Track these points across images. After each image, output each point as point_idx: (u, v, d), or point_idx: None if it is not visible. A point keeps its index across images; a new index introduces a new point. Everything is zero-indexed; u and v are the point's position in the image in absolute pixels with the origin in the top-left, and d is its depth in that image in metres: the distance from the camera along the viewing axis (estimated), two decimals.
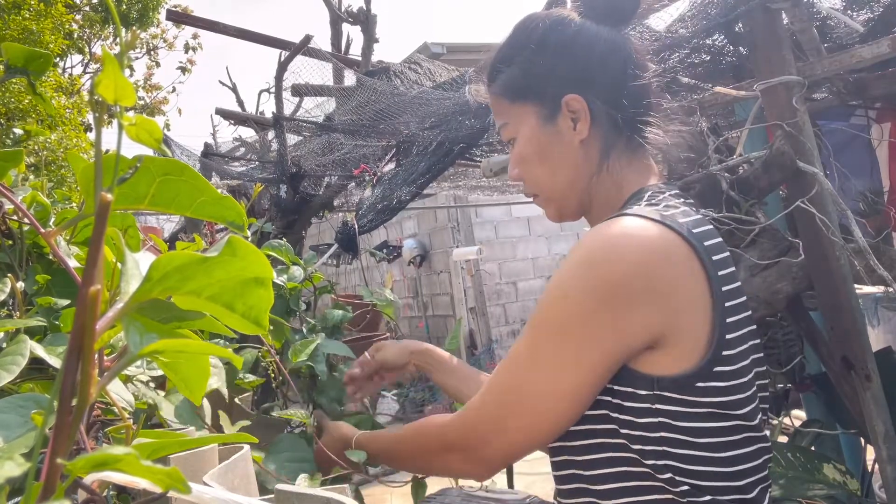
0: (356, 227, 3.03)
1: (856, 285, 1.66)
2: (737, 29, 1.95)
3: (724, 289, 0.80)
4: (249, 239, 0.96)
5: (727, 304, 0.80)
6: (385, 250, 8.40)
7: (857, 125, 2.52)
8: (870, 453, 1.82)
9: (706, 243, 0.81)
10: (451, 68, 3.92)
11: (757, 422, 0.82)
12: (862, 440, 2.00)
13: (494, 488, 1.51)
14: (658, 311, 0.77)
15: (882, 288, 1.58)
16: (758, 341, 0.87)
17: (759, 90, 1.69)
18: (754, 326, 0.86)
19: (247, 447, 0.73)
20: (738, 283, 0.84)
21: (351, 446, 1.08)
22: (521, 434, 0.83)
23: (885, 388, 1.63)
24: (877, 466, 1.68)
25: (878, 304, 3.18)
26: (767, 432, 0.86)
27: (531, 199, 1.01)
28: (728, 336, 0.79)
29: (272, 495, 0.70)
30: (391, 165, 3.38)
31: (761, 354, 0.88)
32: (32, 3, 6.79)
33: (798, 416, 2.59)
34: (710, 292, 0.79)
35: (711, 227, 0.86)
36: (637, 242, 0.78)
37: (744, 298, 0.84)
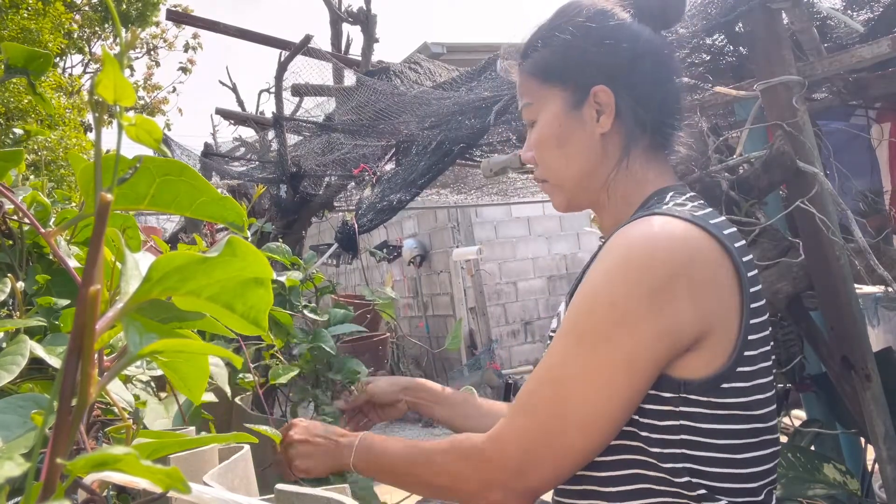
0: (356, 226, 3.03)
1: (856, 285, 1.66)
2: (737, 29, 1.95)
3: (751, 290, 0.81)
4: (249, 239, 0.96)
5: (752, 306, 0.80)
6: (385, 250, 8.39)
7: (857, 125, 2.52)
8: (870, 453, 1.82)
9: (736, 245, 0.82)
10: (451, 68, 3.92)
11: (773, 423, 0.82)
12: (862, 440, 2.00)
13: None
14: (699, 310, 0.76)
15: (882, 288, 1.58)
16: (772, 343, 0.87)
17: (759, 90, 1.68)
18: (769, 330, 0.86)
19: (247, 447, 0.73)
20: (760, 286, 0.84)
21: (348, 466, 0.96)
22: (569, 457, 0.78)
23: (885, 388, 1.63)
24: (877, 466, 1.68)
25: (878, 304, 3.18)
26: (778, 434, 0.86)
27: (539, 184, 0.99)
28: (751, 337, 0.79)
29: (272, 495, 0.70)
30: (391, 165, 3.38)
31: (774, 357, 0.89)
32: (31, 2, 6.79)
33: (798, 416, 2.59)
34: (740, 293, 0.79)
35: (735, 229, 0.86)
36: (676, 242, 0.78)
37: (764, 301, 0.84)
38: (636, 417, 0.79)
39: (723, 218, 0.86)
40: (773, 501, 0.85)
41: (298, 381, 1.26)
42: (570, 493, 0.86)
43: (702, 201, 0.88)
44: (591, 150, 0.91)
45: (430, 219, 8.22)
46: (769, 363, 0.82)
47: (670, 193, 0.87)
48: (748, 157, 1.71)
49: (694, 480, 0.77)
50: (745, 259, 0.82)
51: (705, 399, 0.77)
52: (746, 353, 0.79)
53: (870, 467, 1.94)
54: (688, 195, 0.88)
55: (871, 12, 2.01)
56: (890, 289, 1.53)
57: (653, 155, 0.92)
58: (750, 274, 0.82)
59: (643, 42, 0.90)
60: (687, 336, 0.76)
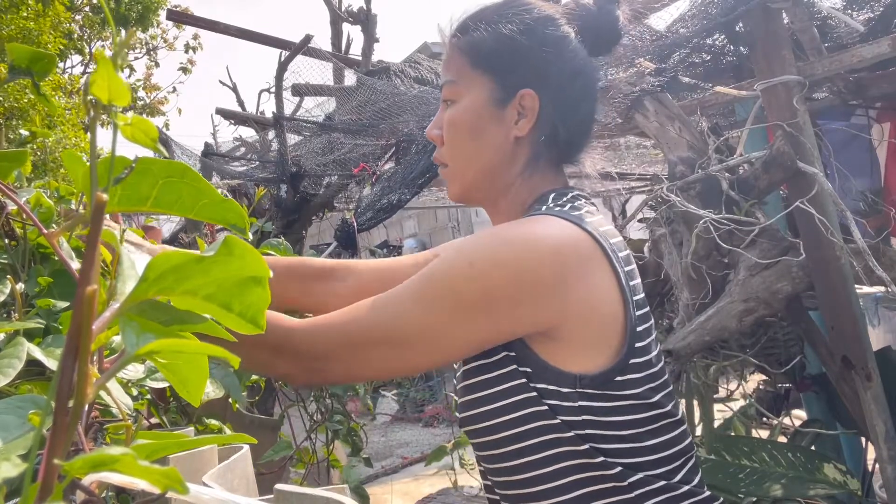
0: (355, 224, 3.03)
1: (856, 285, 1.66)
2: (737, 29, 1.95)
3: (631, 283, 0.83)
4: (250, 240, 0.95)
5: (634, 299, 0.83)
6: (385, 250, 8.39)
7: (857, 125, 2.52)
8: (870, 453, 1.82)
9: (611, 241, 0.84)
10: None
11: (670, 407, 0.84)
12: (862, 440, 2.00)
13: None
14: (559, 304, 0.78)
15: (883, 287, 1.58)
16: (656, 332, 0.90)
17: (760, 90, 1.68)
18: (652, 320, 0.89)
19: (246, 447, 0.73)
20: (639, 280, 0.87)
21: None
22: (373, 370, 0.83)
23: (885, 388, 1.63)
24: (877, 466, 1.68)
25: (878, 304, 3.18)
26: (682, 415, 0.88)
27: (439, 167, 0.97)
28: (639, 329, 0.82)
29: (272, 495, 0.71)
30: (391, 164, 3.38)
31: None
32: (31, 2, 6.80)
33: (798, 416, 2.59)
34: (619, 288, 0.81)
35: (612, 226, 0.89)
36: (553, 239, 0.80)
37: (643, 295, 0.87)
38: (545, 412, 0.80)
39: (600, 216, 0.88)
40: (694, 472, 0.86)
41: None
42: (512, 497, 0.86)
43: (581, 200, 0.90)
44: (500, 149, 0.90)
45: (430, 219, 8.23)
46: (657, 350, 0.85)
47: (553, 195, 0.89)
48: (748, 157, 1.71)
49: (609, 460, 0.79)
50: (620, 254, 0.84)
51: (602, 392, 0.79)
52: (637, 345, 0.81)
53: (870, 467, 1.94)
54: (569, 195, 0.89)
55: (871, 12, 2.01)
56: (890, 289, 1.53)
57: (556, 167, 0.94)
58: (627, 268, 0.84)
59: (579, 61, 0.91)
60: (538, 324, 0.78)
